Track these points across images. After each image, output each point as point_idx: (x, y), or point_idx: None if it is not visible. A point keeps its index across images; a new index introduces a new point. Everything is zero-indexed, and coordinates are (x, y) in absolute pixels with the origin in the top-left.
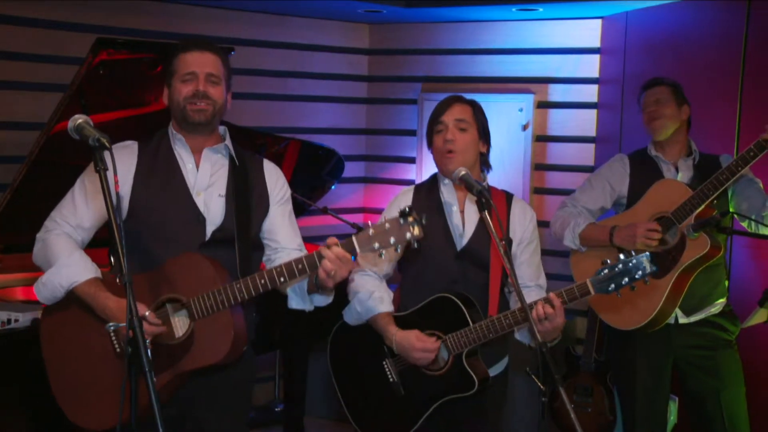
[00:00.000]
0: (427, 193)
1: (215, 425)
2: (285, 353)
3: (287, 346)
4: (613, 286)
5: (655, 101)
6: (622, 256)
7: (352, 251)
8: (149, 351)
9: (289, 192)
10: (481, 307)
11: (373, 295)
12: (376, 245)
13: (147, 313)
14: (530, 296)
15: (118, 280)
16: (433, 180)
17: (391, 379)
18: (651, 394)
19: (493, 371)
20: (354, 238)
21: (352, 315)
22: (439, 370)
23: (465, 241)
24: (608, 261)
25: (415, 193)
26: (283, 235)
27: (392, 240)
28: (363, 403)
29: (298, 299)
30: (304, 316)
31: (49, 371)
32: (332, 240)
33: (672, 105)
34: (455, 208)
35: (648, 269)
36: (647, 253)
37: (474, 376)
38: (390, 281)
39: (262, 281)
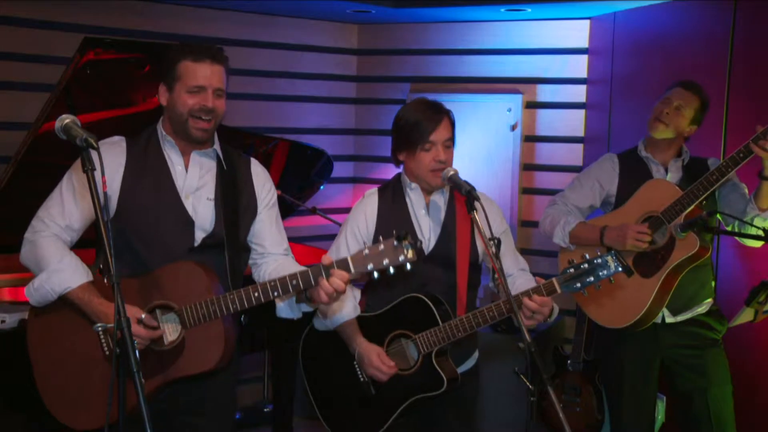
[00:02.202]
0: (392, 197)
1: (202, 426)
2: (273, 353)
3: (275, 347)
4: (578, 284)
5: (676, 108)
6: (587, 256)
7: (347, 271)
8: (137, 352)
9: (275, 196)
10: (449, 306)
11: (336, 304)
12: (370, 266)
13: (143, 316)
14: (517, 281)
15: (106, 281)
16: (397, 183)
17: (361, 379)
18: (639, 393)
19: (464, 367)
20: (349, 259)
21: (319, 323)
22: (409, 370)
23: (432, 244)
24: (574, 260)
25: (380, 197)
26: (270, 241)
27: (386, 262)
28: (334, 404)
29: (286, 309)
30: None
31: (36, 373)
32: (328, 259)
33: (685, 119)
34: (422, 212)
35: (613, 269)
36: (612, 252)
37: (443, 375)
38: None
39: (256, 294)
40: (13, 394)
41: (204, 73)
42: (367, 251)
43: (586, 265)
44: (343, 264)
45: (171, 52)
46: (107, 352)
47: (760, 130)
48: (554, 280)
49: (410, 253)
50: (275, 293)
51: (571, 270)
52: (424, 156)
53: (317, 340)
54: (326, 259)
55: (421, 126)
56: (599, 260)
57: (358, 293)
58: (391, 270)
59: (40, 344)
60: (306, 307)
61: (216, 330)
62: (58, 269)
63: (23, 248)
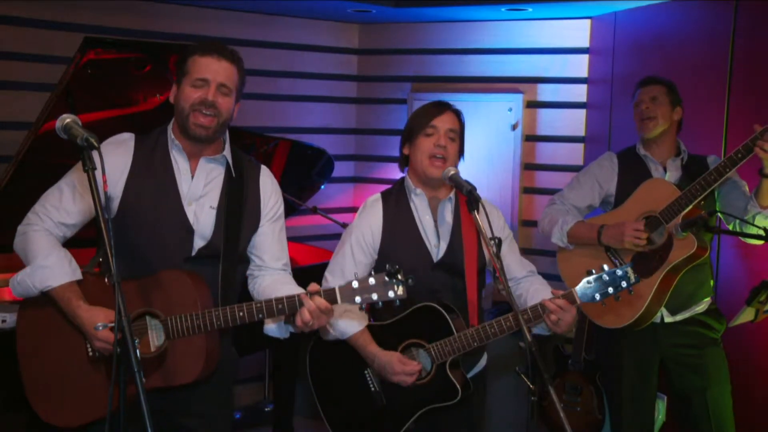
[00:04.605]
0: (396, 203)
1: (197, 428)
2: (274, 353)
3: (276, 346)
4: (598, 295)
5: (651, 99)
6: (605, 267)
7: (333, 301)
8: (138, 351)
9: (281, 208)
10: (461, 313)
11: (344, 315)
12: (358, 299)
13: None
14: (533, 286)
15: (106, 280)
16: (401, 189)
17: (372, 389)
18: (638, 392)
19: (473, 372)
20: (337, 289)
21: (327, 335)
22: (422, 380)
23: (441, 251)
24: (593, 271)
25: (384, 205)
26: (269, 255)
27: (374, 296)
28: (344, 415)
29: (274, 328)
30: None
31: (21, 365)
32: (314, 287)
33: (666, 105)
34: (428, 218)
35: (632, 279)
36: (631, 263)
37: (458, 385)
38: None
39: (241, 314)
40: (14, 394)
41: (209, 66)
42: (356, 283)
43: (606, 276)
44: (330, 294)
45: (185, 49)
46: (90, 354)
47: (758, 130)
48: (573, 290)
49: (400, 290)
50: (260, 315)
51: (591, 281)
52: (424, 141)
53: (324, 351)
54: (313, 286)
55: (425, 112)
56: (619, 271)
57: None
58: (380, 304)
59: (28, 338)
60: (293, 329)
61: (198, 345)
62: (42, 266)
63: (16, 239)
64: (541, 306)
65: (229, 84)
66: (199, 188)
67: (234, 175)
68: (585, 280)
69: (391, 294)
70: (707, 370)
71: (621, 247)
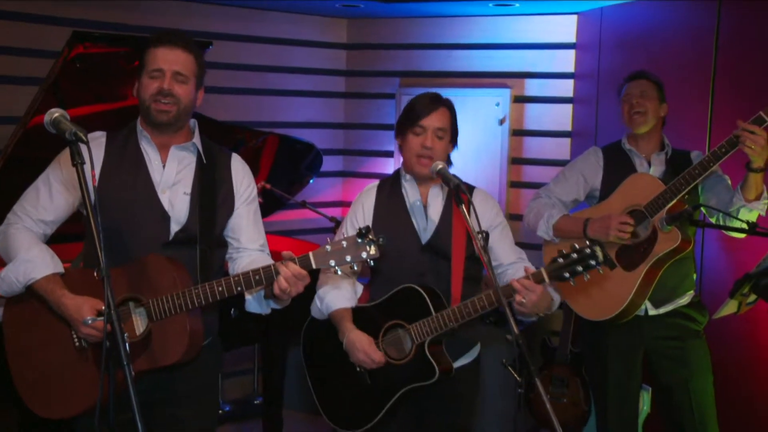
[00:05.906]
0: (390, 190)
1: (184, 421)
2: (263, 347)
3: (265, 340)
4: (567, 274)
5: (640, 93)
6: (576, 246)
7: (307, 267)
8: (127, 345)
9: (255, 191)
10: (445, 296)
11: (332, 291)
12: (332, 262)
13: (89, 319)
14: (518, 272)
15: (96, 274)
16: (396, 177)
17: (358, 369)
18: (622, 384)
19: (464, 360)
20: (311, 254)
21: (315, 310)
22: (402, 360)
23: (429, 234)
24: (563, 251)
25: (378, 191)
26: (245, 237)
27: (348, 258)
28: (333, 395)
29: (255, 303)
30: (282, 310)
31: (10, 360)
32: (288, 254)
33: (655, 100)
34: (418, 203)
35: (600, 258)
36: (600, 242)
37: (435, 365)
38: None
39: (220, 288)
40: (7, 388)
41: (163, 56)
42: (329, 247)
43: (575, 255)
44: (304, 260)
45: (143, 45)
46: (77, 344)
47: (741, 126)
48: (542, 269)
49: (372, 250)
50: (238, 288)
51: (560, 260)
52: (412, 139)
53: (317, 330)
54: (287, 253)
55: (415, 109)
56: (588, 250)
57: (360, 288)
58: (355, 267)
59: (15, 333)
60: (274, 304)
61: (181, 324)
62: (24, 260)
63: None
64: (511, 286)
65: (185, 72)
66: (172, 176)
67: (205, 161)
68: (554, 258)
69: (363, 254)
70: (690, 362)
71: (606, 240)
